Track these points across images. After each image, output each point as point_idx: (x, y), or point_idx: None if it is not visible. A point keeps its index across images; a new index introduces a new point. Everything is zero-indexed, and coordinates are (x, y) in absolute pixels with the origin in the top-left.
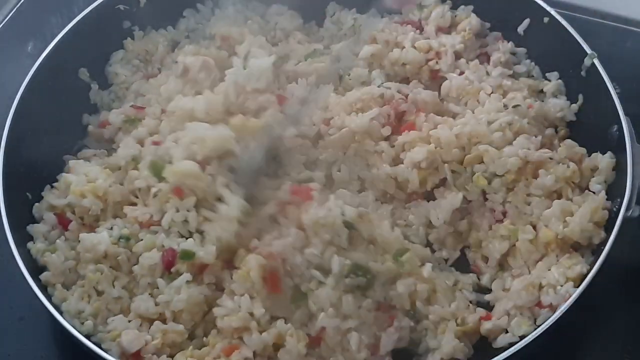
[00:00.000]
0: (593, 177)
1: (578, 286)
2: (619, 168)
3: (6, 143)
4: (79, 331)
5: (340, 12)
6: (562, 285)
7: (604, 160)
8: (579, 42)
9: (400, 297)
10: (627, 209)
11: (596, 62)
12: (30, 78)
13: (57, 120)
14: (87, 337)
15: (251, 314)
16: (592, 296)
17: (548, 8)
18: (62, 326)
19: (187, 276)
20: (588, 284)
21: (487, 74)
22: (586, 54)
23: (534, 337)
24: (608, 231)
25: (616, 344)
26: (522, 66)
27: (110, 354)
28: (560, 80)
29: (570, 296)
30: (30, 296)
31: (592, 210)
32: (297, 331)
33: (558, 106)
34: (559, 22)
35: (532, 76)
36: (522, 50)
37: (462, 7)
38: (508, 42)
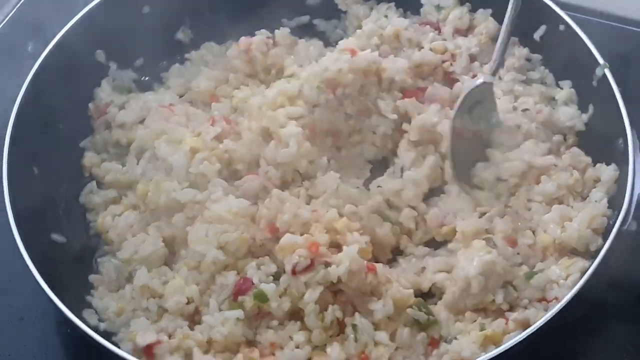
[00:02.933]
0: (595, 187)
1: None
2: (621, 181)
3: (11, 135)
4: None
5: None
6: (564, 280)
7: (607, 172)
8: (592, 52)
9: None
10: (624, 222)
11: (607, 72)
12: (32, 77)
13: (65, 111)
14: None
15: (291, 337)
16: (591, 297)
17: (564, 15)
18: (68, 320)
19: (240, 315)
20: (588, 281)
21: (500, 78)
22: (599, 63)
23: (539, 326)
24: (605, 240)
25: (616, 344)
26: (536, 73)
27: (123, 349)
28: (572, 89)
29: (575, 285)
30: (30, 296)
31: (592, 217)
32: None
33: (568, 115)
34: (574, 30)
35: (545, 83)
36: (537, 56)
37: (481, 10)
38: (524, 47)
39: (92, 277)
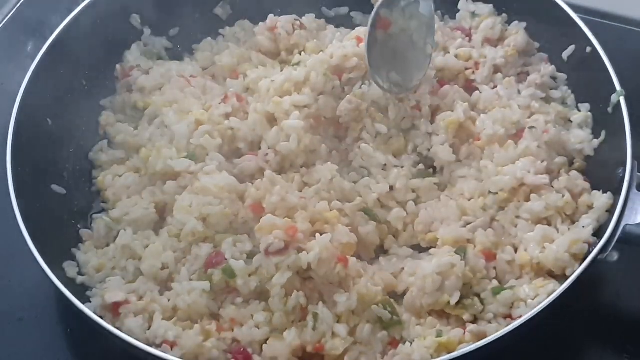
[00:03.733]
0: (587, 213)
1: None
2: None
3: (27, 86)
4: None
5: None
6: (532, 299)
7: (601, 200)
8: (611, 77)
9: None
10: (603, 251)
11: (622, 100)
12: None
13: (90, 69)
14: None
15: (252, 316)
16: (591, 296)
17: (593, 38)
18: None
19: (206, 286)
20: (553, 303)
21: (519, 92)
22: (616, 90)
23: (492, 340)
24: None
25: (616, 344)
26: (558, 92)
27: (93, 302)
28: (589, 113)
29: (538, 305)
30: (30, 296)
31: (572, 241)
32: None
33: (579, 138)
34: (598, 53)
35: (566, 104)
36: (562, 76)
37: (515, 22)
38: (551, 65)
39: (82, 231)
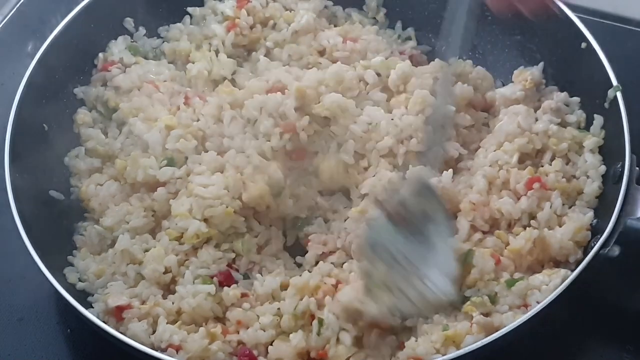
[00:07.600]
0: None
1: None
2: (610, 205)
3: (23, 90)
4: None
5: None
6: (547, 285)
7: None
8: (608, 72)
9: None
10: (604, 246)
11: (619, 95)
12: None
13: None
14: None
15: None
16: (591, 295)
17: (587, 34)
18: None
19: (211, 289)
20: (572, 286)
21: (536, 119)
22: (612, 85)
23: (514, 326)
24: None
25: (616, 344)
26: (573, 116)
27: (95, 308)
28: (601, 139)
29: (557, 288)
30: (30, 296)
31: (576, 229)
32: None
33: (588, 166)
34: (594, 49)
35: (581, 128)
36: (575, 100)
37: None
38: (562, 92)
39: (75, 238)
